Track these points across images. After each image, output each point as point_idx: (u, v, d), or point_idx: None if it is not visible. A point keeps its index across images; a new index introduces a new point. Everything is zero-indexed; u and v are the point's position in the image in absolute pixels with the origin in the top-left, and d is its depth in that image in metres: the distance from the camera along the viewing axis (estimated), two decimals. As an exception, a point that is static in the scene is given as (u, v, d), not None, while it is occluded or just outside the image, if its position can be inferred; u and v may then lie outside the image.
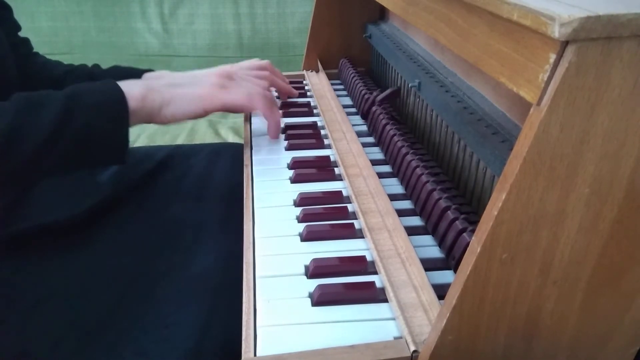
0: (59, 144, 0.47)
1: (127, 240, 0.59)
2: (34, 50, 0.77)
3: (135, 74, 0.73)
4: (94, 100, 0.50)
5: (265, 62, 0.75)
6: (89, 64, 0.76)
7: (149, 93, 0.54)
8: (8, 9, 0.70)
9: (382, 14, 0.91)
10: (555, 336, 0.39)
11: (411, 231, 0.49)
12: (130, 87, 0.53)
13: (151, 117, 0.55)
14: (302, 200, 0.55)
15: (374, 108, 0.68)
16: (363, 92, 0.77)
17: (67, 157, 0.49)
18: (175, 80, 0.58)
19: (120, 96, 0.51)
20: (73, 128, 0.48)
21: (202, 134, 1.51)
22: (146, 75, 0.61)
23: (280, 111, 0.74)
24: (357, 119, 0.78)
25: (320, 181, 0.59)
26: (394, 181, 0.60)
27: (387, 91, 0.72)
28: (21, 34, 0.74)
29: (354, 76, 0.83)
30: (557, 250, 0.34)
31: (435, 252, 0.49)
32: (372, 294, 0.43)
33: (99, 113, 0.50)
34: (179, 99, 0.56)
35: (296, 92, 0.81)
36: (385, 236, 0.49)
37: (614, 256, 0.35)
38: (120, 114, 0.51)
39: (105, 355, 0.47)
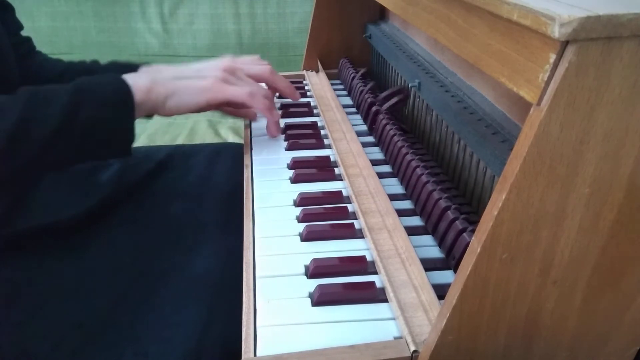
0: (66, 137, 0.48)
1: (127, 240, 0.59)
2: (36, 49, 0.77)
3: (133, 69, 0.73)
4: (100, 94, 0.50)
5: (266, 67, 0.67)
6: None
7: (154, 85, 0.54)
8: (10, 9, 0.70)
9: (382, 14, 0.91)
10: (555, 336, 0.39)
11: (411, 231, 0.49)
12: (135, 80, 0.53)
13: (156, 109, 0.55)
14: (302, 200, 0.55)
15: (380, 116, 0.68)
16: (368, 100, 0.74)
17: (74, 150, 0.49)
18: (180, 73, 0.58)
19: (127, 89, 0.52)
20: (80, 122, 0.48)
21: (202, 134, 1.50)
22: (144, 69, 0.59)
23: (280, 111, 0.76)
24: (357, 119, 0.78)
25: (320, 181, 0.59)
26: (394, 181, 0.60)
27: (394, 100, 0.71)
28: (21, 33, 0.74)
29: (354, 76, 0.83)
30: (557, 250, 0.34)
31: (435, 252, 0.49)
32: (372, 294, 0.43)
33: (106, 106, 0.50)
34: (183, 91, 0.56)
35: (298, 96, 0.76)
36: (385, 236, 0.49)
37: (614, 256, 0.35)
38: (126, 107, 0.52)
39: (106, 355, 0.47)
